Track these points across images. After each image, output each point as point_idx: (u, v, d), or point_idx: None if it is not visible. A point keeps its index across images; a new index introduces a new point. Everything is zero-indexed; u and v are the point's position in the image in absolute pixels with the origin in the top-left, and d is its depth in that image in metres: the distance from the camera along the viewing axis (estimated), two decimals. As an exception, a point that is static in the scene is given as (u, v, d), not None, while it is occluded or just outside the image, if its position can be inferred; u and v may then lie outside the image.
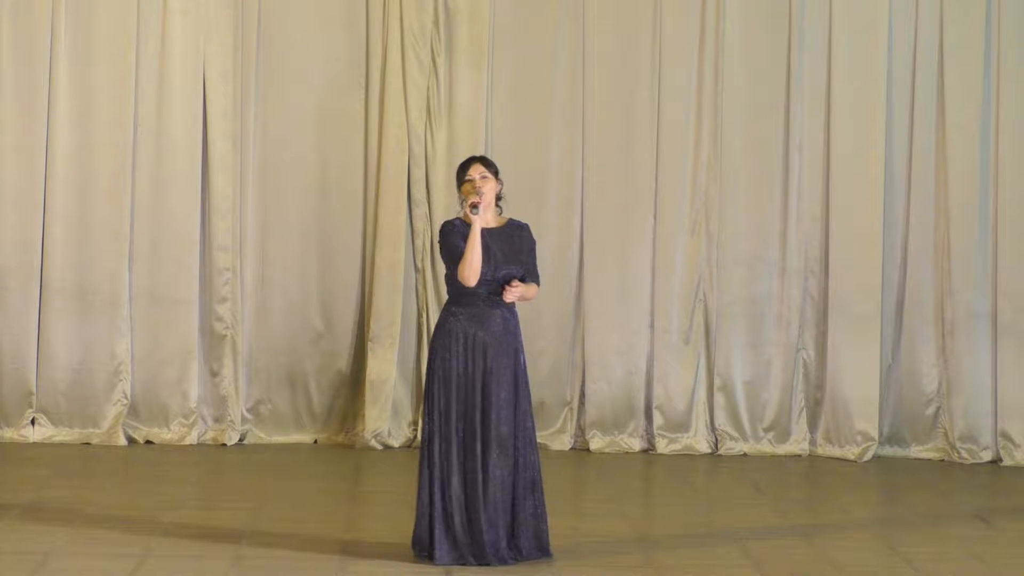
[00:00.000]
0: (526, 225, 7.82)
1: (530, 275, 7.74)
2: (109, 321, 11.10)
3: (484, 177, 7.67)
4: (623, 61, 11.34)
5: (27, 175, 11.04)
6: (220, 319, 11.19)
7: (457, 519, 7.58)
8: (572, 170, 11.32)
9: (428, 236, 11.26)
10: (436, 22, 11.24)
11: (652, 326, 11.40)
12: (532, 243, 7.79)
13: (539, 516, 7.69)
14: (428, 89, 11.27)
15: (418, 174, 11.27)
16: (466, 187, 7.67)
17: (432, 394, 7.65)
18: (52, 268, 11.09)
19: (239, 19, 11.15)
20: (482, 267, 7.59)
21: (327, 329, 11.34)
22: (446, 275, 7.77)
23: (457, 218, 7.76)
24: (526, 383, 7.73)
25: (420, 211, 11.28)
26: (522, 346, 7.75)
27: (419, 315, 11.33)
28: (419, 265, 11.32)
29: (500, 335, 7.63)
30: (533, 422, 7.76)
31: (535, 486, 7.67)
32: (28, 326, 11.07)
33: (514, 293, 7.62)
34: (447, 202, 11.25)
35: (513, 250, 7.70)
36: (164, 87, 11.15)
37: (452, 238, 7.67)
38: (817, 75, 11.35)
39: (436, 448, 7.60)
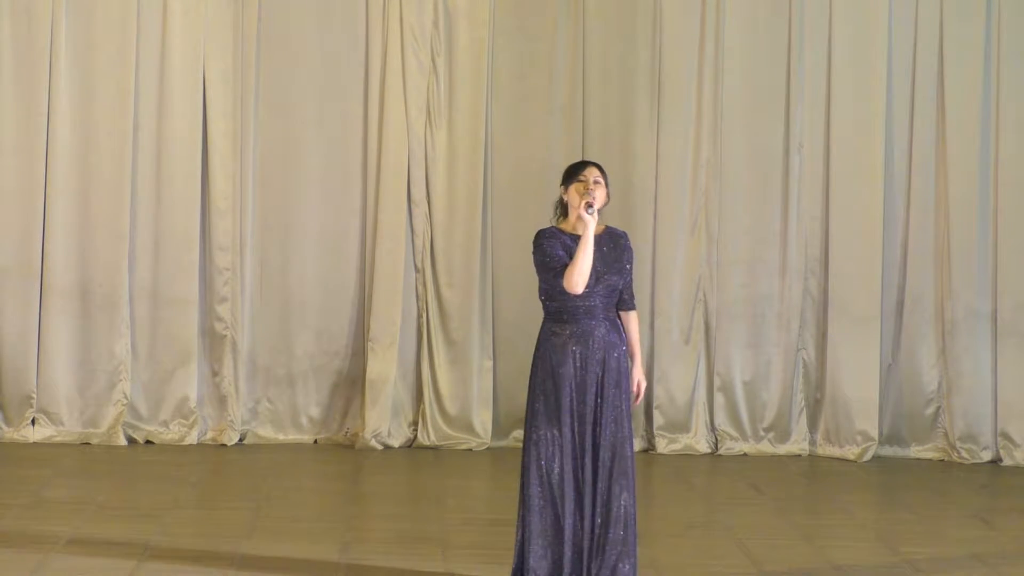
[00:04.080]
0: (625, 233, 7.17)
1: (628, 293, 7.13)
2: (109, 321, 11.10)
3: (597, 182, 6.99)
4: (623, 61, 11.34)
5: (27, 175, 11.04)
6: (220, 319, 11.18)
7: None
8: (572, 170, 11.30)
9: (428, 236, 11.26)
10: (436, 22, 11.24)
11: (652, 326, 11.40)
12: (631, 254, 7.13)
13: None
14: (428, 89, 11.27)
15: (418, 174, 11.26)
16: (577, 186, 7.00)
17: (536, 412, 7.03)
18: (52, 268, 11.08)
19: (239, 19, 11.15)
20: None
21: (327, 329, 11.33)
22: (541, 289, 7.06)
23: (552, 226, 7.09)
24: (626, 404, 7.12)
25: (420, 211, 11.27)
26: (626, 369, 7.13)
27: (419, 315, 11.33)
28: (419, 265, 11.32)
29: (605, 350, 7.02)
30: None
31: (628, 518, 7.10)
32: (28, 326, 11.07)
33: (640, 396, 7.17)
34: (447, 202, 11.25)
35: (613, 258, 7.03)
36: (164, 87, 11.14)
37: (550, 245, 6.98)
38: (817, 75, 11.35)
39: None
